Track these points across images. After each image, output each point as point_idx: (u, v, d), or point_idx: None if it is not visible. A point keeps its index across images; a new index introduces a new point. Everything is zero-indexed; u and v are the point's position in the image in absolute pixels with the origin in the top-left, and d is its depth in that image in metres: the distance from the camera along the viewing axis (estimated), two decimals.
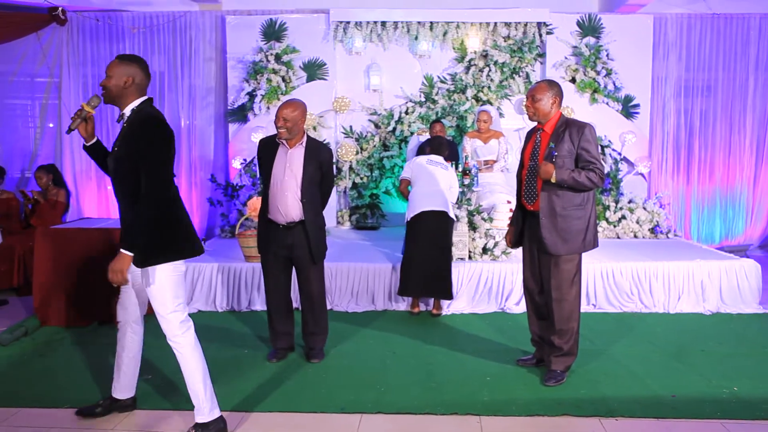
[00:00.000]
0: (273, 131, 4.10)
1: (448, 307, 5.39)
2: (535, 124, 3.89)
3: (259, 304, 5.38)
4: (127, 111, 3.07)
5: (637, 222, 7.11)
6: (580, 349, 4.00)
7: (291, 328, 4.34)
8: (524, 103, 3.90)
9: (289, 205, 4.00)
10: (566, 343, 3.83)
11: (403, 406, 3.52)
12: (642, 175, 7.71)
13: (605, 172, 7.39)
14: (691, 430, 3.27)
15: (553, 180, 3.65)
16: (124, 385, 3.38)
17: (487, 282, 5.50)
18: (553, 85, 3.80)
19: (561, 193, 3.70)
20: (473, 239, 5.69)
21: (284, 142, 4.03)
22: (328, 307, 5.36)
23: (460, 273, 5.49)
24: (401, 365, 4.18)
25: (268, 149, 4.10)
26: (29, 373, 4.01)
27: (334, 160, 7.65)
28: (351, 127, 7.81)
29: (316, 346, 4.27)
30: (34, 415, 3.43)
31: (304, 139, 4.06)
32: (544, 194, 3.73)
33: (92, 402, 3.48)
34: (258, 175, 6.49)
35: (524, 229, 3.99)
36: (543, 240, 3.73)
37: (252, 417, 3.41)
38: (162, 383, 3.84)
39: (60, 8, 7.50)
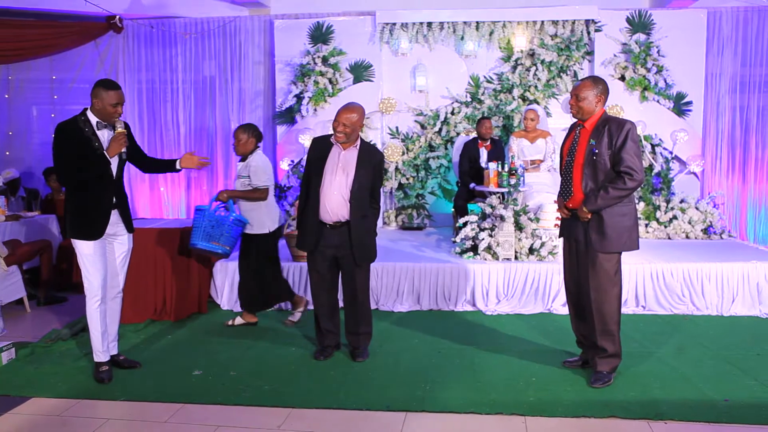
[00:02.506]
0: (319, 133, 4.17)
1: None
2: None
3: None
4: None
5: (689, 222, 6.92)
6: (628, 351, 3.93)
7: (337, 327, 4.39)
8: (569, 101, 3.85)
9: (336, 205, 4.05)
10: (610, 344, 3.77)
11: (448, 405, 3.53)
12: (695, 174, 7.51)
13: (656, 171, 7.27)
14: None
15: (588, 211, 3.65)
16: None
17: (534, 283, 5.45)
18: (598, 82, 3.73)
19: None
20: (519, 239, 5.64)
21: (339, 143, 4.10)
22: (374, 307, 5.41)
23: (506, 274, 5.47)
24: (446, 364, 4.19)
25: (320, 148, 4.14)
26: (87, 367, 4.16)
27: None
28: (397, 128, 7.85)
29: (361, 346, 4.31)
30: (90, 407, 3.59)
31: (358, 141, 4.11)
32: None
33: (143, 395, 3.65)
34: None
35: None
36: (589, 237, 3.69)
37: (298, 413, 3.47)
38: (213, 378, 3.95)
39: (117, 16, 7.79)
